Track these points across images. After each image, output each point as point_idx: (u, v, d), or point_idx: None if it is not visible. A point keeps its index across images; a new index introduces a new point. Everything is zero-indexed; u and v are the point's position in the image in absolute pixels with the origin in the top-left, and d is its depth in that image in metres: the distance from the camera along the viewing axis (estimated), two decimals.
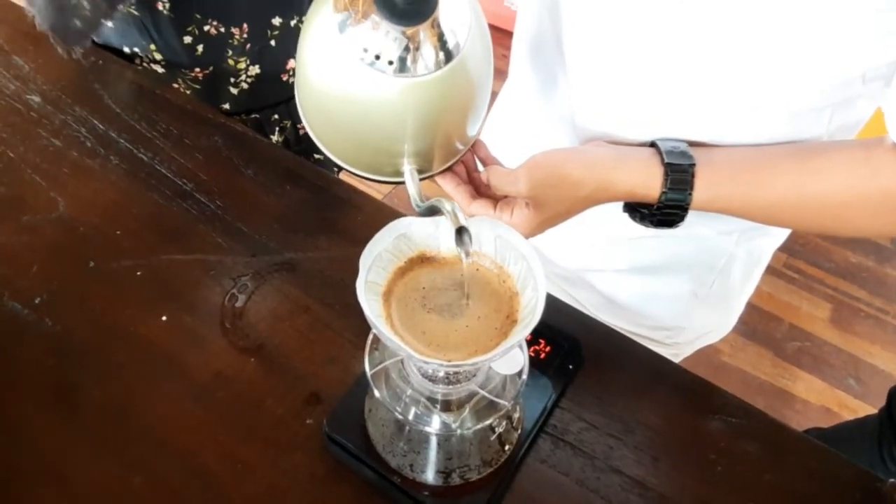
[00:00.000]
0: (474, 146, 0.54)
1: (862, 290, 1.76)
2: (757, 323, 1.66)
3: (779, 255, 1.80)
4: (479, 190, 0.56)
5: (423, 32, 0.41)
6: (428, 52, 0.41)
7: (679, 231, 0.55)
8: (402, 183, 0.48)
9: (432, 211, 0.44)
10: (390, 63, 0.41)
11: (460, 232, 0.41)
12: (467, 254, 0.42)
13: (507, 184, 0.52)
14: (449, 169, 0.52)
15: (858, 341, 1.66)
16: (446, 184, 0.54)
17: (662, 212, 0.51)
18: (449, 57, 0.42)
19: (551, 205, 0.52)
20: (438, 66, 0.42)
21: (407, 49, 0.41)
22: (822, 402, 1.55)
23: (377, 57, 0.41)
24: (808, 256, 1.82)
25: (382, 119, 0.44)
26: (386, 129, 0.45)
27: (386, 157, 0.47)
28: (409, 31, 0.40)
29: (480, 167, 0.57)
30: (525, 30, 0.64)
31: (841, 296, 1.75)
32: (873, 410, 1.29)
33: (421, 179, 0.48)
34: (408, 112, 0.43)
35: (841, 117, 0.51)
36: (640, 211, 0.54)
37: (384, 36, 0.40)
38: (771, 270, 1.73)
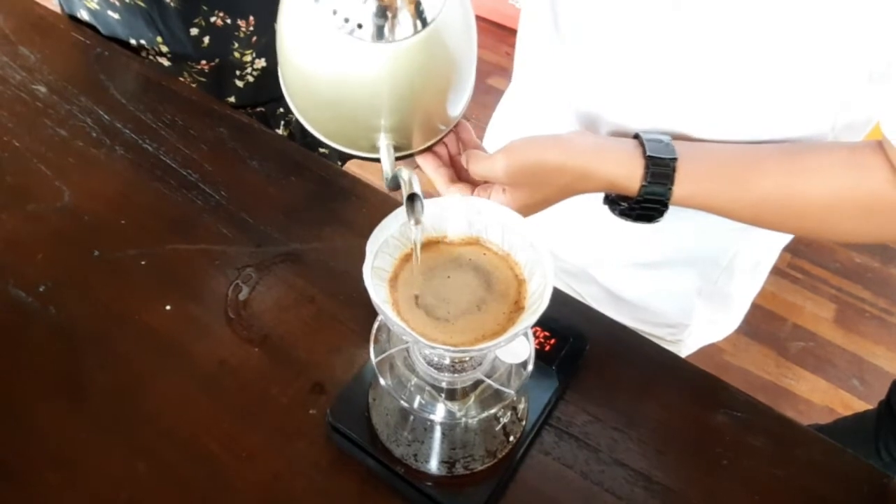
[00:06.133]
0: (457, 128, 0.53)
1: (866, 290, 1.76)
2: (760, 322, 1.66)
3: (783, 255, 1.79)
4: (461, 175, 0.54)
5: None
6: (403, 16, 0.40)
7: (683, 226, 0.54)
8: (379, 160, 0.47)
9: (397, 182, 0.43)
10: (360, 26, 0.40)
11: (412, 199, 0.40)
12: (417, 221, 0.41)
13: (485, 168, 0.51)
14: (429, 149, 0.51)
15: (862, 342, 1.66)
16: (427, 164, 0.52)
17: (642, 206, 0.50)
18: (424, 23, 0.41)
19: (529, 192, 0.51)
20: (414, 31, 0.41)
21: (380, 13, 0.40)
22: (825, 402, 1.54)
23: (346, 20, 0.40)
24: (812, 256, 1.82)
25: (356, 87, 0.43)
26: (359, 98, 0.44)
27: (362, 130, 0.46)
28: None
29: None
30: (526, 18, 0.64)
31: (845, 296, 1.74)
32: None
33: (400, 157, 0.47)
34: (382, 80, 0.42)
35: (846, 118, 0.51)
36: (620, 205, 0.53)
37: None
38: (775, 270, 1.71)
